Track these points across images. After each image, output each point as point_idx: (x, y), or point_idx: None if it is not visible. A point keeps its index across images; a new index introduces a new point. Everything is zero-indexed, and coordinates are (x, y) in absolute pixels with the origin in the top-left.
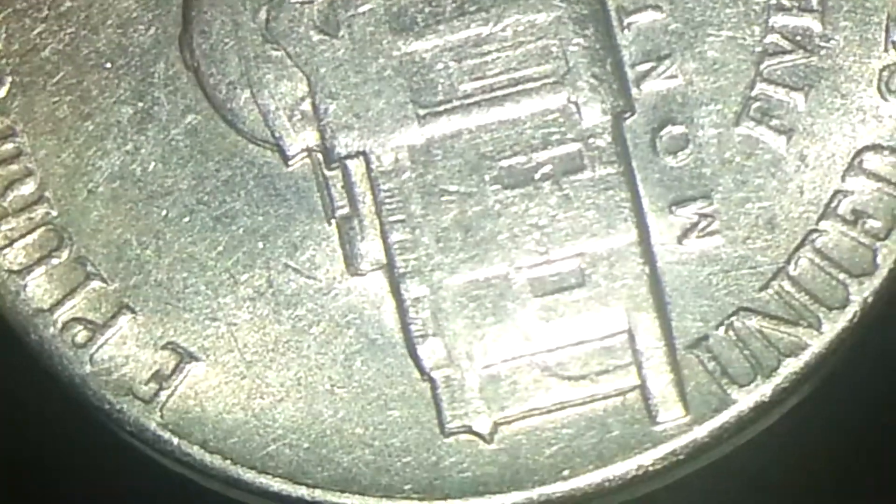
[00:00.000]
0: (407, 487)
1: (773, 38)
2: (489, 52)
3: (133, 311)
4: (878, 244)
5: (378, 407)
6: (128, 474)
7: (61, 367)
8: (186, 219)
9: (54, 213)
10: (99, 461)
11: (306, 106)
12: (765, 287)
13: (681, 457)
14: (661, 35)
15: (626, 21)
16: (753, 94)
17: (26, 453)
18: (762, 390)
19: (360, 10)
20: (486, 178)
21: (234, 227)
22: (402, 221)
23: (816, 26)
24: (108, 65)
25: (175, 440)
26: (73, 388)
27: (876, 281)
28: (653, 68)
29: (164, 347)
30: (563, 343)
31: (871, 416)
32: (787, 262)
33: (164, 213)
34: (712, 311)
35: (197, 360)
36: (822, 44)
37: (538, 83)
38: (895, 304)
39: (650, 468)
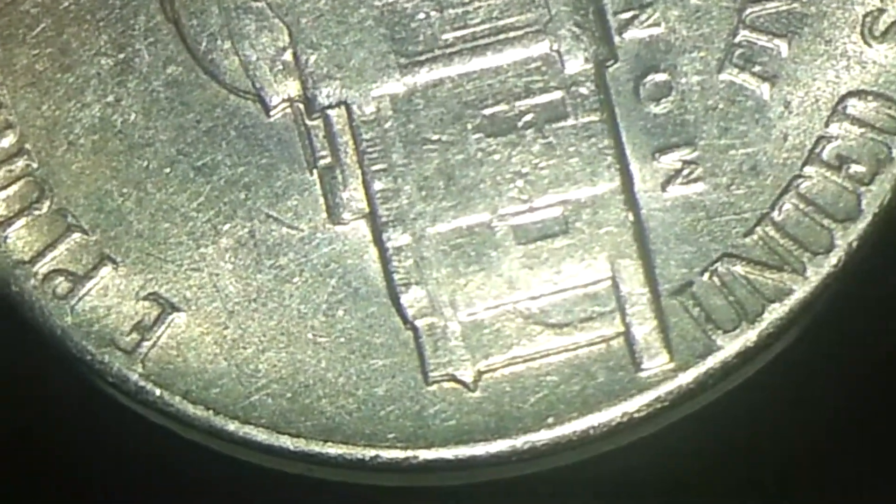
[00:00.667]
0: (391, 436)
1: None
2: (471, 1)
3: (114, 262)
4: (863, 189)
5: (361, 356)
6: (110, 425)
7: (42, 319)
8: (168, 169)
9: (35, 165)
10: (81, 412)
11: (287, 56)
12: (749, 233)
13: (666, 403)
14: None
15: None
16: (736, 40)
17: (6, 405)
18: (747, 336)
19: None
20: (469, 126)
21: (215, 177)
22: (384, 170)
23: None
24: (88, 17)
25: (157, 391)
26: (55, 340)
27: (860, 226)
28: (635, 16)
29: (145, 298)
30: (547, 291)
31: (858, 364)
32: (772, 207)
33: (145, 164)
34: (696, 258)
35: (179, 310)
36: None
37: (520, 32)
38: (880, 248)
39: (635, 415)
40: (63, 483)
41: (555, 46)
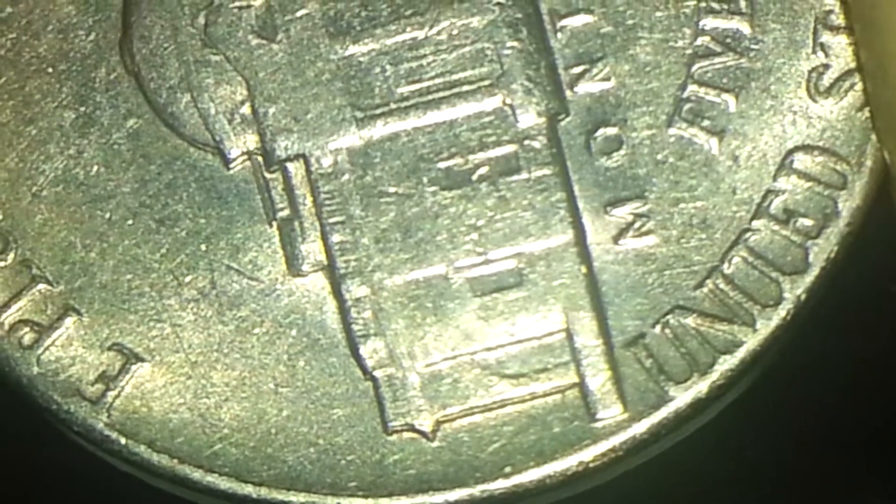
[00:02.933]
0: (352, 485)
1: (703, 40)
2: (425, 56)
3: (79, 313)
4: (810, 242)
5: (322, 406)
6: (77, 474)
7: (8, 369)
8: (130, 221)
9: None
10: (48, 462)
11: (246, 109)
12: (699, 285)
13: (620, 453)
14: (594, 38)
15: (558, 24)
16: (685, 95)
17: None
18: (699, 387)
19: (298, 14)
20: (425, 179)
21: (176, 229)
22: (341, 223)
23: (746, 28)
24: (50, 70)
25: (122, 440)
26: (21, 390)
27: (808, 279)
28: (586, 71)
29: (109, 348)
30: (503, 342)
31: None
32: (721, 260)
33: (107, 216)
34: (648, 310)
35: (142, 360)
36: (752, 46)
37: (474, 86)
38: (827, 302)
39: (590, 464)
40: None
41: (507, 101)
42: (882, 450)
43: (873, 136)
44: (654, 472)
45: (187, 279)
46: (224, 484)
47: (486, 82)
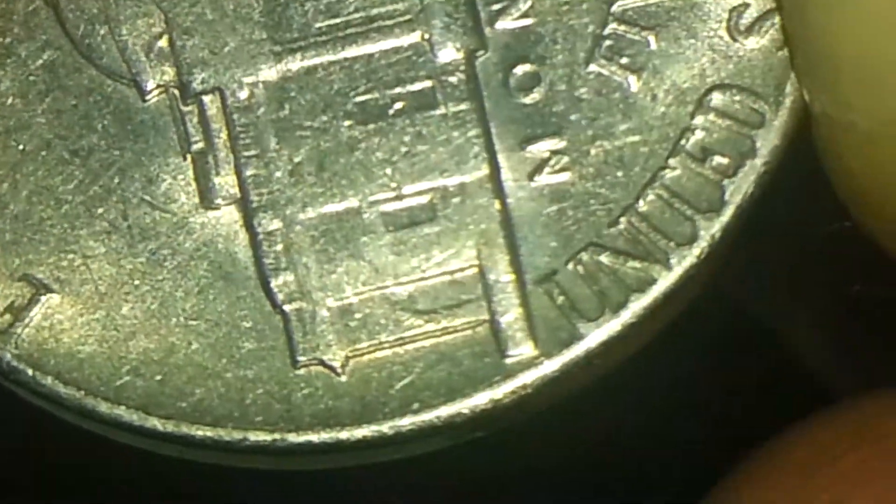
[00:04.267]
0: (258, 420)
1: None
2: None
3: None
4: (726, 181)
5: (231, 339)
6: None
7: None
8: (43, 152)
9: None
10: None
11: (163, 42)
12: (614, 223)
13: (530, 390)
14: None
15: None
16: (605, 33)
17: None
18: (610, 325)
19: None
20: (340, 113)
21: (90, 160)
22: (256, 156)
23: None
24: None
25: (30, 371)
26: None
27: (723, 218)
28: (505, 7)
29: (19, 279)
30: (414, 277)
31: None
32: (636, 198)
33: (21, 147)
34: (562, 247)
35: (52, 291)
36: None
37: (392, 21)
38: (742, 241)
39: (500, 402)
40: None
41: (426, 36)
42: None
43: (793, 76)
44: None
45: (99, 211)
46: (130, 416)
47: (406, 17)
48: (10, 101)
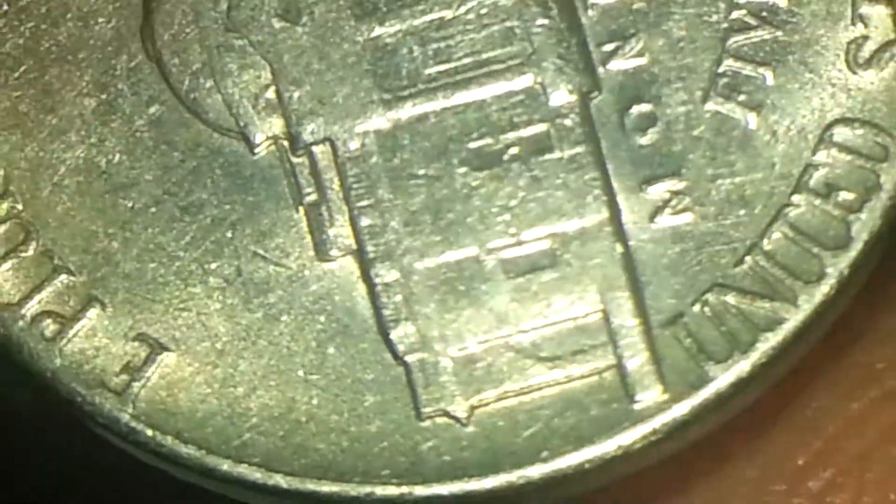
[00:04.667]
0: (385, 473)
1: (738, 13)
2: (453, 35)
3: (102, 304)
4: (852, 216)
5: (353, 393)
6: (104, 469)
7: (31, 362)
8: (153, 209)
9: (20, 207)
10: (74, 457)
11: (270, 94)
12: (739, 263)
13: (660, 435)
14: (626, 14)
15: (589, 1)
16: (720, 70)
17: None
18: (740, 366)
19: None
20: (454, 160)
21: (201, 216)
22: (370, 206)
23: (782, 1)
24: (70, 57)
25: (149, 432)
26: (45, 383)
27: (851, 253)
28: (618, 47)
29: (134, 339)
30: (538, 324)
31: None
32: (761, 237)
33: (130, 204)
34: (687, 289)
35: (168, 350)
36: (789, 18)
37: (504, 65)
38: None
39: (630, 447)
40: None
41: (538, 79)
42: None
43: None
44: None
45: (213, 266)
46: (254, 475)
47: (517, 61)
48: (116, 158)
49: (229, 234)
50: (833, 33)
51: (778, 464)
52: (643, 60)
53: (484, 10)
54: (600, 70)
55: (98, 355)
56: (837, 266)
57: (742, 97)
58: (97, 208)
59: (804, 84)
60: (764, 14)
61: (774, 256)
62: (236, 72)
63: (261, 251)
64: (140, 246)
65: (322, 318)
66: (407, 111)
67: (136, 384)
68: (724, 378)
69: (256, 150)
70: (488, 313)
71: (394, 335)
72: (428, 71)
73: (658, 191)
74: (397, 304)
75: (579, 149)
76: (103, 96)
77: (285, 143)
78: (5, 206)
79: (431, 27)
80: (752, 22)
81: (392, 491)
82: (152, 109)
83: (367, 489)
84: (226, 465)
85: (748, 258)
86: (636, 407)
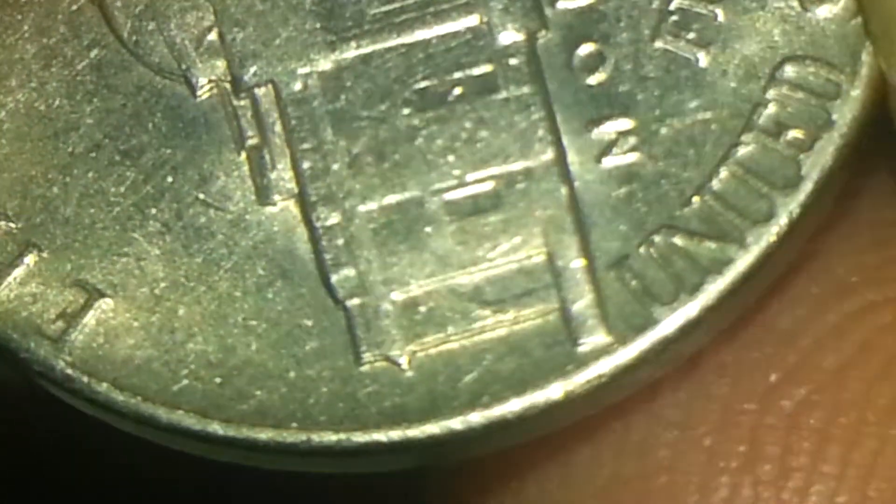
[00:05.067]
0: (323, 419)
1: None
2: None
3: (39, 249)
4: (802, 155)
5: (292, 338)
6: (38, 418)
7: None
8: (93, 154)
9: None
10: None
11: (213, 36)
12: (687, 203)
13: (605, 379)
14: None
15: None
16: (670, 7)
17: None
18: (687, 309)
19: None
20: (398, 101)
21: (142, 160)
22: (312, 149)
23: None
24: (11, 1)
25: (84, 379)
26: None
27: (801, 194)
28: None
29: (71, 285)
30: (481, 267)
31: None
32: (710, 177)
33: (70, 149)
34: (633, 230)
35: (105, 296)
36: None
37: (449, 4)
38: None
39: (574, 392)
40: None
41: (485, 19)
42: None
43: (868, 44)
44: None
45: (153, 211)
46: (190, 421)
47: (463, 1)
48: (57, 102)
49: (170, 179)
50: None
51: (749, 381)
52: None
53: None
54: (548, 10)
55: (34, 302)
56: (787, 206)
57: (692, 35)
58: (37, 153)
59: (755, 21)
60: None
61: (723, 197)
62: (178, 14)
63: (202, 195)
64: (79, 191)
65: (262, 263)
66: (351, 52)
67: (73, 331)
68: (670, 321)
69: (199, 93)
70: (431, 256)
71: (334, 279)
72: (373, 11)
73: (605, 131)
74: (338, 248)
75: (526, 89)
76: (45, 40)
77: (228, 86)
78: None
79: None
80: None
81: (330, 437)
82: (93, 53)
83: (303, 436)
84: (161, 412)
85: (696, 199)
86: (580, 350)
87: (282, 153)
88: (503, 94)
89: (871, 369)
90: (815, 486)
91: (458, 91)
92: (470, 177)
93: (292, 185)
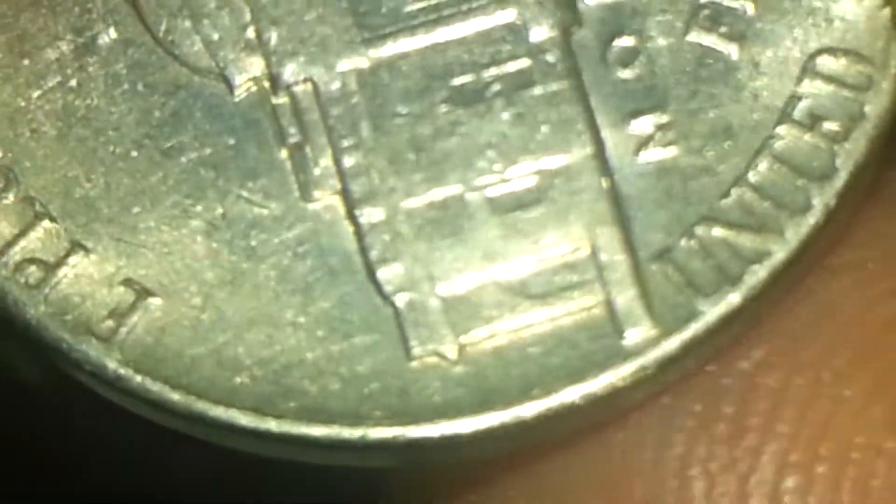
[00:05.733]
0: (376, 413)
1: None
2: None
3: (86, 249)
4: (837, 147)
5: (341, 334)
6: (90, 418)
7: (16, 310)
8: (134, 153)
9: None
10: (59, 405)
11: (250, 34)
12: (725, 195)
13: (650, 371)
14: None
15: None
16: (702, 1)
17: None
18: (729, 299)
19: None
20: (436, 98)
21: (183, 159)
22: (353, 146)
23: None
24: (45, 1)
25: (137, 378)
26: (30, 330)
27: (837, 184)
28: None
29: (119, 284)
30: (525, 261)
31: None
32: (746, 169)
33: (111, 148)
34: (674, 222)
35: (154, 295)
36: None
37: (484, 1)
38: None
39: (620, 384)
40: (43, 479)
41: (519, 14)
42: None
43: None
44: None
45: (196, 209)
46: (244, 419)
47: None
48: (95, 102)
49: (212, 176)
50: None
51: None
52: None
53: None
54: (581, 4)
55: (83, 302)
56: (823, 197)
57: (724, 28)
58: (77, 153)
59: (785, 14)
60: None
61: (760, 188)
62: (214, 12)
63: (245, 193)
64: (122, 190)
65: (308, 260)
66: (388, 49)
67: (123, 330)
68: (713, 312)
69: (237, 92)
70: (475, 251)
71: (381, 275)
72: (408, 8)
73: (642, 125)
74: (384, 244)
75: (561, 84)
76: (80, 40)
77: (266, 84)
78: None
79: None
80: None
81: (383, 432)
82: (130, 52)
83: (358, 431)
84: (216, 411)
85: (734, 190)
86: (625, 343)
87: (323, 150)
88: (540, 90)
89: (829, 331)
90: (769, 445)
91: (495, 87)
92: (510, 172)
93: (335, 182)
